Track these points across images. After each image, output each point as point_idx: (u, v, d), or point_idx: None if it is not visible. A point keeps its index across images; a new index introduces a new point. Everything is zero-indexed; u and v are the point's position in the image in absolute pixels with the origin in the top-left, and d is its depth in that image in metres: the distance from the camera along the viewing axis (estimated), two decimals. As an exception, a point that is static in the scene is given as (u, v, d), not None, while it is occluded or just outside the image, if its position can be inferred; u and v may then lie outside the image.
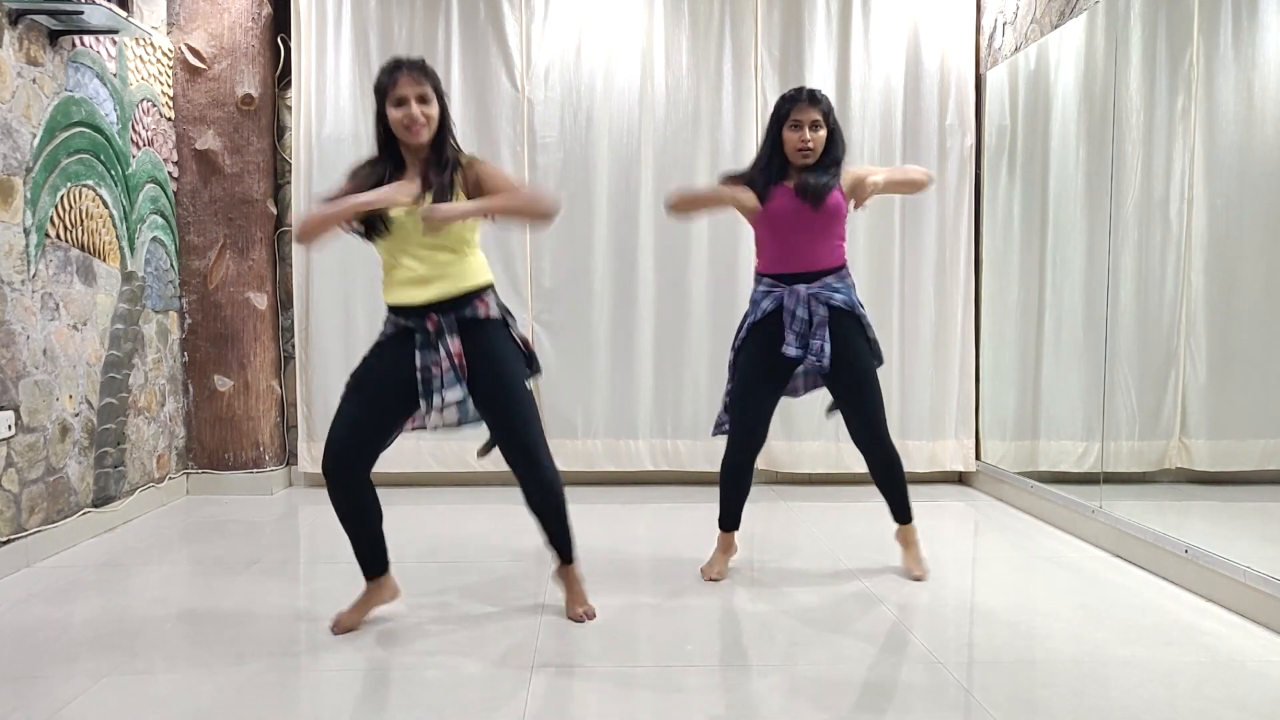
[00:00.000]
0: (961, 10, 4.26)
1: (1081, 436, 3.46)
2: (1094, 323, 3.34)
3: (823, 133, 2.69)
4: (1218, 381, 2.93)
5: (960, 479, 4.44)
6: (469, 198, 2.33)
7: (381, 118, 2.34)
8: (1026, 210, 3.90)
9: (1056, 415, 3.69)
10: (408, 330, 2.35)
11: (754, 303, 2.81)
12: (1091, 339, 3.36)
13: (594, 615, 2.52)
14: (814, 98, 2.69)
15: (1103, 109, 3.27)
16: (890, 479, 2.91)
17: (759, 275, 2.83)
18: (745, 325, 2.81)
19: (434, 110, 2.30)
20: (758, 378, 2.80)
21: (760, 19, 4.25)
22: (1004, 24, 4.08)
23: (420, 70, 2.30)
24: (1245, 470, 2.87)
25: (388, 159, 2.38)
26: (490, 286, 2.42)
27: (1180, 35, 2.96)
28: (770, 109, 4.18)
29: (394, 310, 2.39)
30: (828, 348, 2.69)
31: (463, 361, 2.33)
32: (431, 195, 2.28)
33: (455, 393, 2.32)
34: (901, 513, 2.96)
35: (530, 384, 2.51)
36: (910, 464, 4.30)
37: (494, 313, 2.40)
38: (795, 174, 2.74)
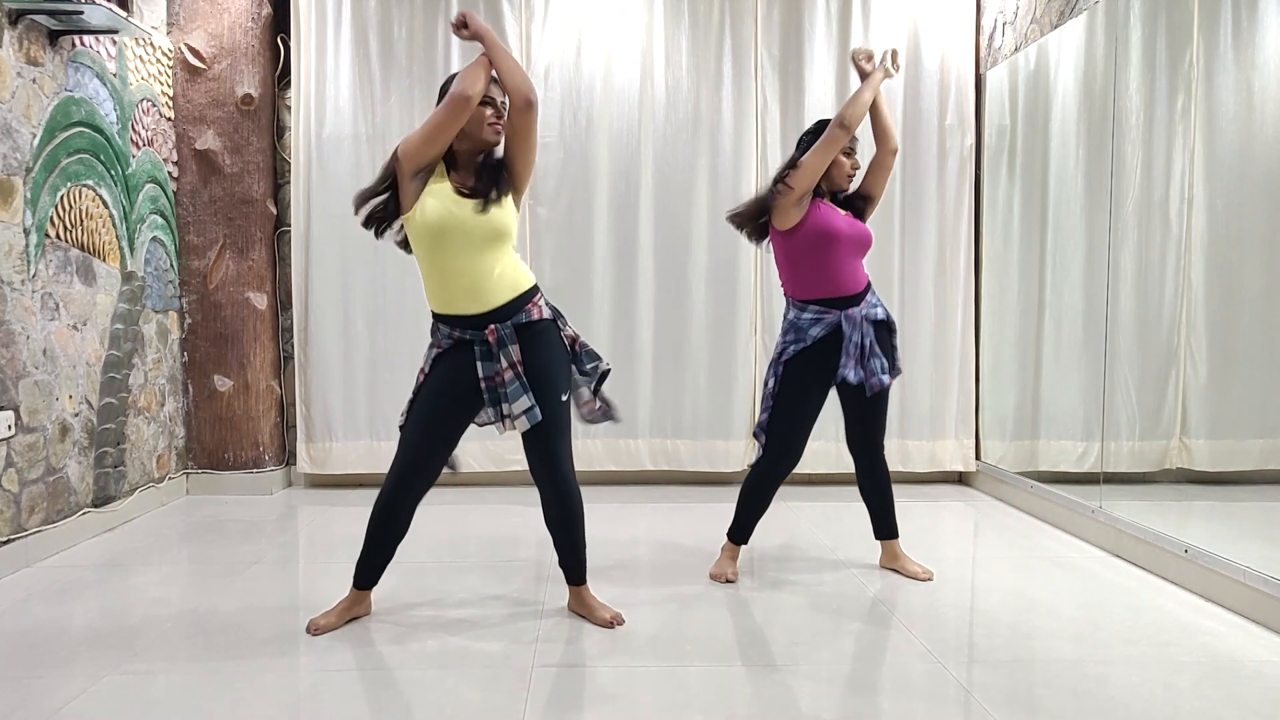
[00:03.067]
0: (961, 10, 4.26)
1: (1081, 436, 3.46)
2: (1094, 322, 3.34)
3: (856, 157, 2.84)
4: (1218, 381, 2.93)
5: (960, 479, 4.44)
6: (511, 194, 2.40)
7: None
8: (1026, 210, 3.90)
9: (1056, 415, 3.69)
10: (464, 341, 2.36)
11: (798, 329, 2.76)
12: (1091, 339, 3.36)
13: (623, 620, 2.50)
14: None
15: (1103, 109, 3.27)
16: (884, 491, 2.94)
17: (802, 302, 2.79)
18: (790, 352, 2.77)
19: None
20: (809, 401, 2.79)
21: (760, 19, 4.25)
22: (1004, 24, 4.08)
23: (496, 82, 2.36)
24: (1245, 470, 2.87)
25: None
26: (537, 287, 2.45)
27: (1180, 35, 2.96)
28: (770, 109, 4.23)
29: (447, 320, 2.38)
30: (884, 363, 2.76)
31: (522, 368, 2.35)
32: (482, 200, 2.31)
33: (523, 402, 2.33)
34: (890, 527, 2.96)
35: (581, 392, 2.55)
36: (910, 464, 4.33)
37: (546, 313, 2.43)
38: (828, 197, 2.84)
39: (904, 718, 1.94)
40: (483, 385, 2.35)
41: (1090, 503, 3.31)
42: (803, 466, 4.25)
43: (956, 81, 4.26)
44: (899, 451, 4.32)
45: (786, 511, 3.84)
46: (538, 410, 2.34)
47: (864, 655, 2.29)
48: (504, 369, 2.33)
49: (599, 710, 1.97)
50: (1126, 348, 3.19)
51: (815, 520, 3.67)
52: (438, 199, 2.29)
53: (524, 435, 2.43)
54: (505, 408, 2.34)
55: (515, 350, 2.34)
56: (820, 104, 4.21)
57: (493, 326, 2.33)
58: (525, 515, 2.48)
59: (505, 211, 2.35)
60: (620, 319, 4.30)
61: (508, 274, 2.36)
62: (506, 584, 2.84)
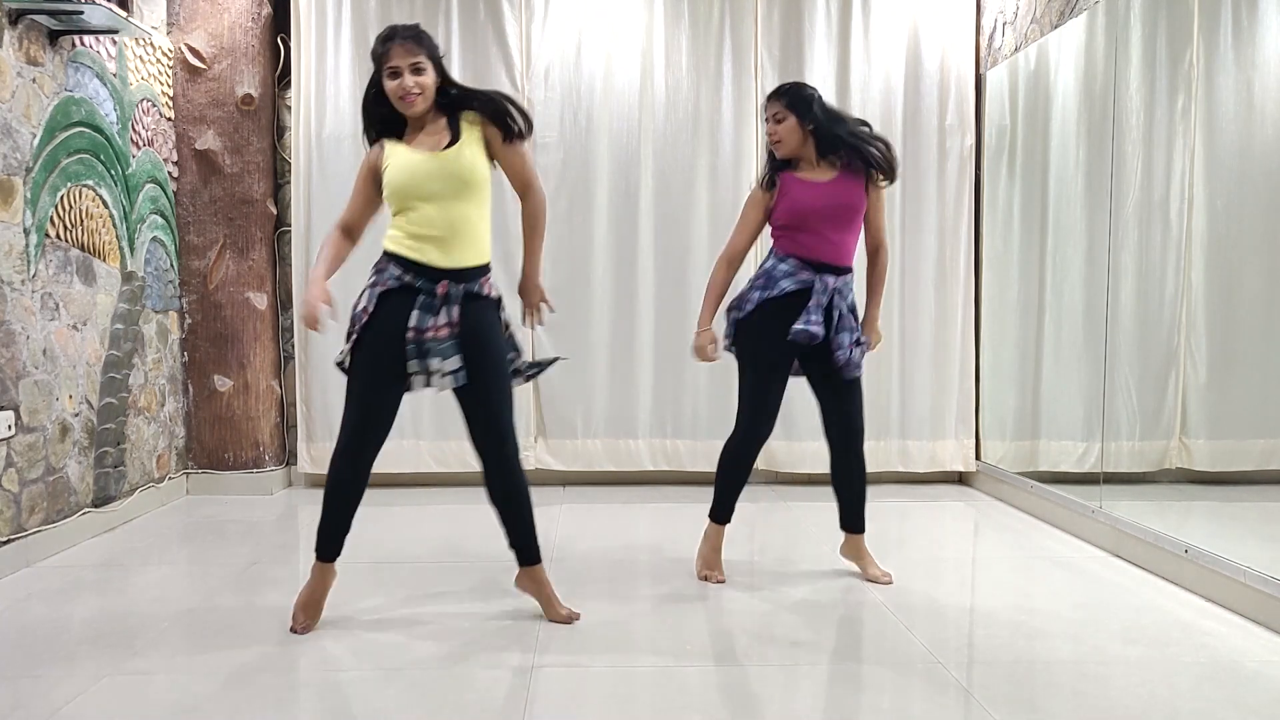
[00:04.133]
0: (961, 10, 4.26)
1: (1081, 436, 3.46)
2: (1094, 323, 3.34)
3: (789, 122, 2.71)
4: (1218, 381, 2.93)
5: (960, 479, 4.44)
6: (484, 147, 2.38)
7: (376, 85, 2.35)
8: (1026, 210, 3.90)
9: (1056, 415, 3.69)
10: (408, 287, 2.32)
11: (770, 277, 2.72)
12: (1091, 339, 3.36)
13: (579, 615, 2.51)
14: (776, 92, 2.78)
15: (1103, 109, 3.27)
16: (859, 483, 2.87)
17: (783, 255, 2.75)
18: (755, 301, 2.73)
19: (428, 79, 2.31)
20: (776, 363, 2.74)
21: (760, 19, 4.25)
22: (1004, 24, 4.08)
23: (414, 39, 2.30)
24: (1245, 470, 2.87)
25: (383, 126, 2.40)
26: (490, 266, 2.45)
27: (1180, 35, 2.96)
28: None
29: (401, 262, 2.34)
30: (854, 337, 2.71)
31: (459, 333, 2.33)
32: (448, 149, 2.32)
33: (454, 362, 2.31)
34: (859, 520, 2.89)
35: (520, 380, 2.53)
36: (910, 464, 4.33)
37: (495, 292, 2.44)
38: (808, 164, 2.76)
39: (904, 718, 1.94)
40: (409, 335, 2.30)
41: (1090, 503, 3.31)
42: (803, 466, 4.29)
43: (956, 81, 4.26)
44: (899, 451, 4.32)
45: (786, 511, 3.85)
46: (465, 373, 2.32)
47: (864, 655, 2.29)
48: (440, 325, 2.30)
49: (599, 710, 1.97)
50: (1126, 348, 3.19)
51: (815, 520, 3.67)
52: (401, 164, 2.31)
53: (466, 404, 2.40)
54: (434, 363, 2.30)
55: (455, 312, 2.32)
56: (820, 104, 4.21)
57: (446, 282, 2.31)
58: (525, 515, 2.52)
59: (473, 161, 2.33)
60: (620, 319, 4.30)
61: (476, 240, 2.36)
62: (506, 584, 2.83)
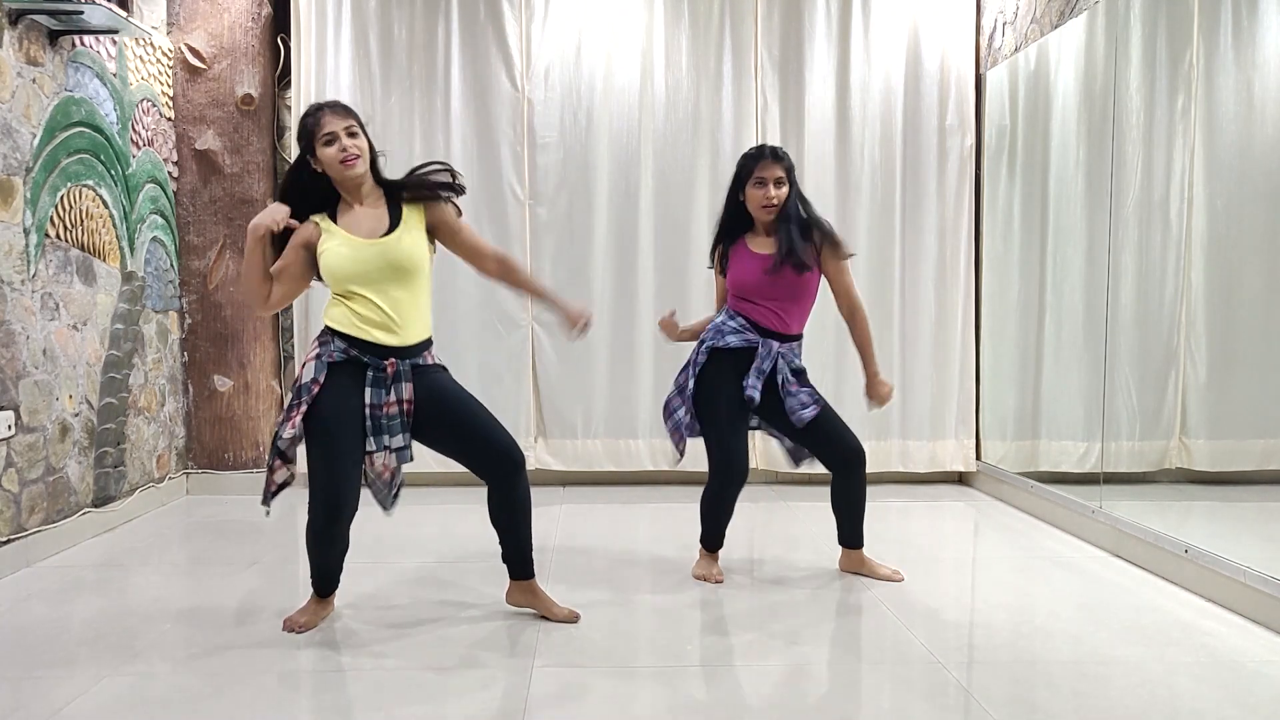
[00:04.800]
0: (961, 10, 4.26)
1: (1082, 437, 3.46)
2: (1094, 323, 3.34)
3: (785, 189, 2.72)
4: (1218, 381, 2.93)
5: (960, 479, 4.44)
6: (427, 231, 2.41)
7: (303, 166, 2.36)
8: (1026, 210, 3.90)
9: (1057, 415, 3.69)
10: (357, 361, 2.33)
11: (719, 330, 2.76)
12: (1091, 339, 3.36)
13: (578, 615, 2.52)
14: (776, 154, 2.74)
15: (1103, 109, 3.27)
16: (858, 503, 2.87)
17: (734, 313, 2.79)
18: (704, 350, 2.76)
19: (363, 142, 2.34)
20: (733, 411, 2.76)
21: (760, 19, 4.25)
22: (1004, 24, 4.08)
23: (343, 108, 2.36)
24: (1245, 470, 2.87)
25: (312, 203, 2.38)
26: (432, 340, 2.48)
27: (1180, 35, 2.96)
28: (770, 109, 4.23)
29: (347, 339, 2.33)
30: (802, 400, 2.71)
31: (411, 409, 2.36)
32: (392, 227, 2.35)
33: (399, 440, 2.35)
34: (858, 536, 2.90)
35: None
36: (910, 464, 4.33)
37: (437, 360, 2.47)
38: (763, 231, 2.78)
39: (904, 718, 1.94)
40: (366, 411, 2.32)
41: (1090, 503, 3.31)
42: (801, 467, 4.28)
43: (956, 81, 4.26)
44: (899, 451, 4.32)
45: (786, 511, 3.85)
46: (410, 452, 2.37)
47: (864, 656, 2.29)
48: (391, 403, 2.33)
49: (598, 710, 1.97)
50: (1126, 348, 3.19)
51: (814, 520, 3.66)
52: (340, 249, 2.30)
53: (459, 452, 2.45)
54: (385, 439, 2.33)
55: (407, 389, 2.35)
56: (820, 104, 4.21)
57: (393, 360, 2.33)
58: (525, 515, 2.53)
59: (412, 248, 2.35)
60: (620, 319, 4.30)
61: (420, 318, 2.39)
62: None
